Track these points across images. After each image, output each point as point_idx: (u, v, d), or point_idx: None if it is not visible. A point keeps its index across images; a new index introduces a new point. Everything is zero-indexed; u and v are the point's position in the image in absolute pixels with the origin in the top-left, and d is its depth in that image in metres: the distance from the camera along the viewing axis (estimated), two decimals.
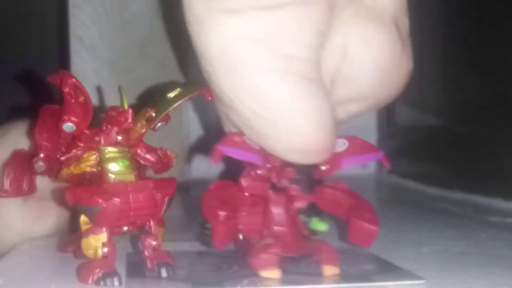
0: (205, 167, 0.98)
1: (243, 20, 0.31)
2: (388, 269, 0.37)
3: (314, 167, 0.36)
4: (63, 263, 0.39)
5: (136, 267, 0.37)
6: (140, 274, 0.35)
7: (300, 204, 0.35)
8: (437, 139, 0.79)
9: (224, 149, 0.35)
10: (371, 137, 0.90)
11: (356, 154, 0.37)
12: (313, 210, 0.35)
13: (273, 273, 0.34)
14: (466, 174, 0.69)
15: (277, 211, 0.35)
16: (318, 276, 0.35)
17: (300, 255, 0.36)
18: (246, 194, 0.36)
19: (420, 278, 0.34)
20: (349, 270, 0.36)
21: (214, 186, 0.36)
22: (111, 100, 0.75)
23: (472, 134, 0.69)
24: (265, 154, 0.35)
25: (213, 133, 1.00)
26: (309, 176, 0.36)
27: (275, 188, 0.36)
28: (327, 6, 0.32)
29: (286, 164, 0.35)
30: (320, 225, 0.35)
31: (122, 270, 0.36)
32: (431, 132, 0.82)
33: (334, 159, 0.36)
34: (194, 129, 0.96)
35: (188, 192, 0.83)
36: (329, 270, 0.35)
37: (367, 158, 0.37)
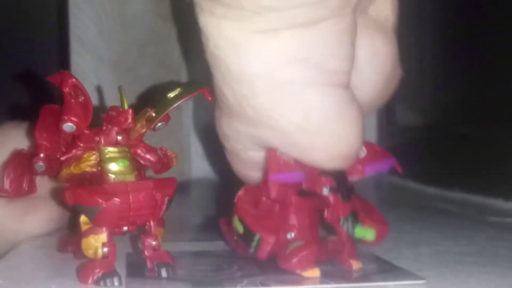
0: (205, 167, 0.98)
1: (282, 40, 0.31)
2: (388, 269, 0.37)
3: (341, 173, 0.36)
4: (63, 263, 0.39)
5: (136, 267, 0.37)
6: (140, 274, 0.35)
7: (340, 213, 0.35)
8: (437, 139, 0.79)
9: (278, 177, 0.35)
10: (371, 137, 0.91)
11: (377, 161, 0.37)
12: (353, 217, 0.35)
13: (314, 272, 0.35)
14: (466, 174, 0.69)
15: (299, 216, 0.36)
16: (322, 277, 0.35)
17: (325, 259, 0.36)
18: (264, 198, 0.36)
19: (420, 278, 0.34)
20: (349, 270, 0.36)
21: (243, 193, 0.37)
22: (111, 99, 0.75)
23: (472, 134, 0.69)
24: (301, 165, 0.35)
25: (213, 133, 1.00)
26: (344, 184, 0.36)
27: (301, 194, 0.36)
28: (354, 15, 0.32)
29: (321, 173, 0.35)
30: (368, 234, 0.35)
31: (122, 270, 0.36)
32: (431, 132, 0.82)
33: (357, 166, 0.37)
34: (194, 129, 0.96)
35: (188, 192, 0.83)
36: (356, 264, 0.36)
37: (385, 165, 0.38)
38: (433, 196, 0.69)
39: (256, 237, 0.35)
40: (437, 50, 0.83)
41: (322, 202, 0.36)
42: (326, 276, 0.35)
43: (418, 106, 0.88)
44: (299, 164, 0.35)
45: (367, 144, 0.38)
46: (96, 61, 0.76)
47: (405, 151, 0.85)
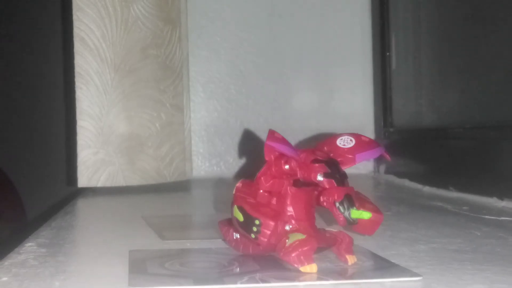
0: (206, 167, 0.99)
1: None
2: (385, 266, 0.37)
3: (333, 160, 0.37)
4: (66, 261, 0.40)
5: (139, 264, 0.37)
6: (143, 271, 0.36)
7: (335, 197, 0.36)
8: (433, 139, 0.79)
9: (274, 145, 0.36)
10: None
11: (366, 149, 0.38)
12: (348, 201, 0.36)
13: (312, 268, 0.35)
14: (461, 174, 0.69)
15: (295, 207, 0.37)
16: (322, 274, 0.36)
17: (321, 246, 0.37)
18: (261, 191, 0.37)
19: (416, 274, 0.35)
20: (347, 267, 0.37)
21: (241, 185, 0.38)
22: (112, 100, 0.76)
23: (468, 135, 0.70)
24: (296, 149, 0.37)
25: (214, 134, 1.01)
26: (337, 170, 0.37)
27: (297, 184, 0.37)
28: None
29: (314, 160, 0.36)
30: (364, 214, 0.36)
31: (124, 268, 0.37)
32: (427, 133, 0.83)
33: (348, 154, 0.38)
34: (195, 130, 0.97)
35: (189, 192, 0.84)
36: (351, 259, 0.37)
37: (375, 153, 0.38)
38: (429, 195, 0.70)
39: (257, 222, 0.36)
40: (434, 52, 0.84)
41: (317, 188, 0.37)
42: (323, 273, 0.35)
43: (414, 108, 0.89)
44: (294, 148, 0.37)
45: (355, 135, 0.39)
46: (99, 62, 0.77)
47: (401, 151, 0.86)
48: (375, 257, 0.40)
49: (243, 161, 0.98)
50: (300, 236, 0.36)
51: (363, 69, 1.02)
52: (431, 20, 0.84)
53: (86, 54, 0.75)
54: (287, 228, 0.37)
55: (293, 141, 0.95)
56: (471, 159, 0.68)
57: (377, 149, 0.38)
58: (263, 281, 0.34)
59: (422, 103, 0.86)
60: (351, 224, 0.36)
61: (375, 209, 0.37)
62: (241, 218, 0.37)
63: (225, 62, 1.01)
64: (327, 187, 0.36)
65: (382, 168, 0.94)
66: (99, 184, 0.77)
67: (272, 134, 0.37)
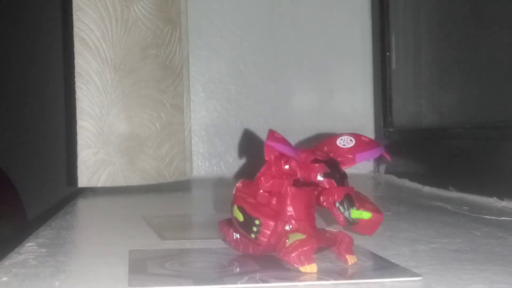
0: (206, 167, 0.99)
1: None
2: (385, 266, 0.37)
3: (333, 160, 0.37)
4: (66, 261, 0.40)
5: (138, 264, 0.38)
6: (143, 271, 0.36)
7: (336, 197, 0.36)
8: (433, 139, 0.79)
9: (274, 145, 0.36)
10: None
11: (366, 149, 0.38)
12: (348, 201, 0.36)
13: (312, 268, 0.36)
14: (461, 174, 0.69)
15: (295, 207, 0.37)
16: (320, 273, 0.36)
17: (321, 246, 0.37)
18: (261, 191, 0.37)
19: (416, 274, 0.35)
20: (347, 267, 0.37)
21: (241, 185, 0.39)
22: (112, 100, 0.76)
23: (468, 135, 0.70)
24: (296, 149, 0.37)
25: (214, 134, 1.01)
26: (337, 170, 0.37)
27: (297, 184, 0.37)
28: None
29: (314, 160, 0.37)
30: (364, 214, 0.36)
31: (124, 268, 0.37)
32: (427, 132, 0.83)
33: (348, 154, 0.38)
34: (195, 130, 0.97)
35: (189, 191, 0.84)
36: (351, 259, 0.38)
37: (375, 153, 0.39)
38: (429, 195, 0.70)
39: (257, 222, 0.36)
40: (434, 52, 0.84)
41: (317, 188, 0.37)
42: (323, 273, 0.35)
43: (414, 108, 0.89)
44: (294, 148, 0.37)
45: (355, 135, 0.39)
46: (99, 62, 0.77)
47: (401, 151, 0.86)
48: (375, 257, 0.40)
49: (243, 161, 0.99)
50: (300, 236, 0.36)
51: (363, 69, 1.02)
52: (431, 20, 0.84)
53: (86, 54, 0.75)
54: (287, 228, 0.37)
55: (293, 141, 0.95)
56: (471, 159, 0.68)
57: (377, 149, 0.38)
58: (263, 281, 0.34)
59: (422, 103, 0.86)
60: (351, 224, 0.36)
61: (375, 209, 0.37)
62: (241, 218, 0.37)
63: (225, 62, 1.01)
64: (327, 187, 0.36)
65: (382, 168, 0.94)
66: (99, 184, 0.77)
67: (272, 134, 0.37)
